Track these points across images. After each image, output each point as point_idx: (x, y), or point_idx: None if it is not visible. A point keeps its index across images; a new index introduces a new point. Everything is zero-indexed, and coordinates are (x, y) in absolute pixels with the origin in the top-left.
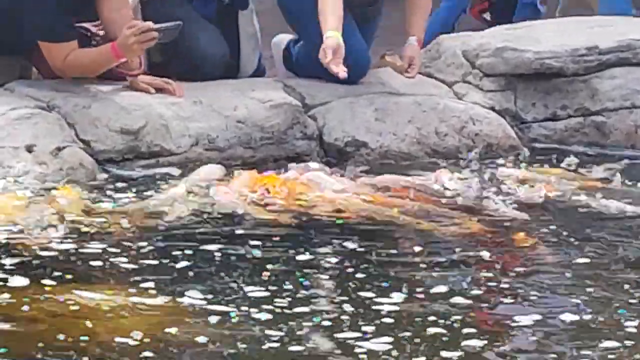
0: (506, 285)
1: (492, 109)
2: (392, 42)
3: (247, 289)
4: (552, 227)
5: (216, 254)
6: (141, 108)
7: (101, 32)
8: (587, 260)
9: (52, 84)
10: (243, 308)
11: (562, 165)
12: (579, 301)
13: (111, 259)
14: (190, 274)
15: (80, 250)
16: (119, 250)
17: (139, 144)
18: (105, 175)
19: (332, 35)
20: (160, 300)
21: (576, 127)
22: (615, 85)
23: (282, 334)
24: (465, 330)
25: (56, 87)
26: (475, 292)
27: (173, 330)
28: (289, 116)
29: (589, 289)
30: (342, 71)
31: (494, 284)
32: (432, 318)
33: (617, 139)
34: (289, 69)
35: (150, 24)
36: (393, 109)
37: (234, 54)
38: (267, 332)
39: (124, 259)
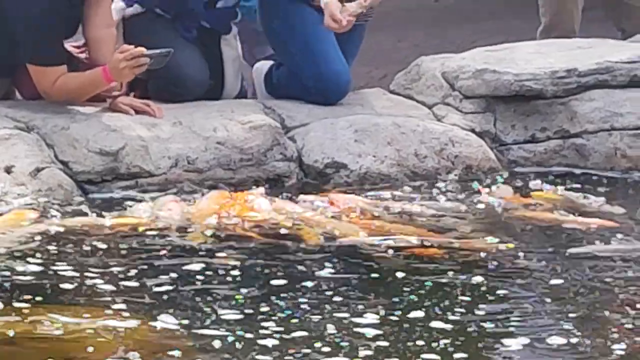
0: (484, 312)
1: (472, 130)
2: (374, 63)
3: (221, 312)
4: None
5: (190, 275)
6: (120, 129)
7: (82, 55)
8: (561, 281)
9: (31, 104)
10: (220, 331)
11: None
12: (565, 324)
13: (86, 281)
14: (165, 297)
15: (54, 272)
16: (91, 271)
17: (118, 165)
18: (83, 198)
19: None
20: (134, 322)
21: (556, 150)
22: (595, 108)
23: (263, 357)
24: (454, 355)
25: (35, 108)
26: (454, 317)
27: (151, 354)
28: (268, 138)
29: (572, 314)
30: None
31: (476, 306)
32: (416, 342)
33: (596, 161)
34: (270, 94)
35: (142, 49)
36: (372, 131)
37: (217, 77)
38: (245, 355)
39: (99, 280)
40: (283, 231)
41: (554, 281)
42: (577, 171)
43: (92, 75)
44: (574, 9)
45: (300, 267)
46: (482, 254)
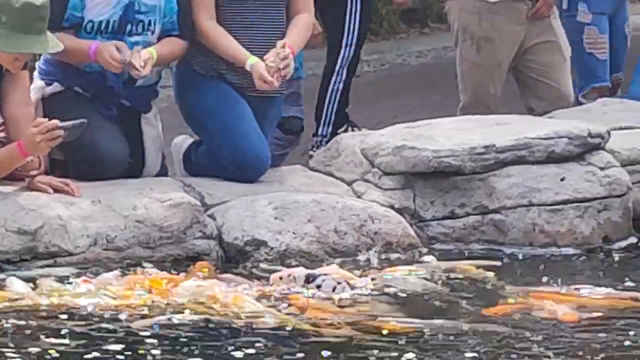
0: None
1: (392, 207)
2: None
3: None
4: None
5: (109, 356)
6: (39, 208)
7: (1, 135)
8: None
9: None
10: None
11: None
12: None
13: None
14: None
15: None
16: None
17: (37, 245)
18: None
19: (256, 60)
20: None
21: (475, 225)
22: (513, 184)
23: None
24: None
25: None
26: None
27: None
28: (187, 215)
29: None
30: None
31: None
32: None
33: (515, 237)
34: (188, 172)
35: (56, 122)
36: (292, 208)
37: (137, 155)
38: None
39: None
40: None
41: (469, 354)
42: (496, 247)
43: (8, 151)
44: (492, 88)
45: (224, 349)
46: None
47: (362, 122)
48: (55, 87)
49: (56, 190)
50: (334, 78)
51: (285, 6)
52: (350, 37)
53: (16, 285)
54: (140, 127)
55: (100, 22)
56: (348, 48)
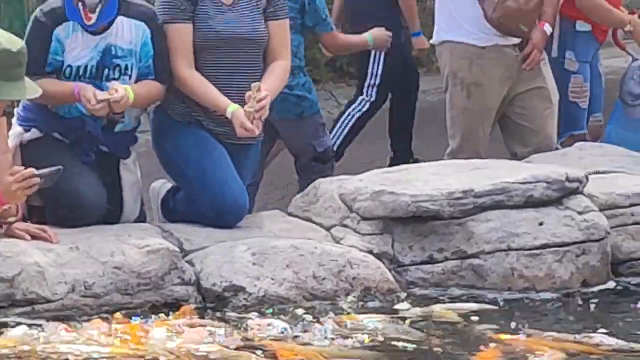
0: None
1: (370, 252)
2: (273, 185)
3: None
4: None
5: None
6: (17, 255)
7: None
8: None
9: None
10: None
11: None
12: None
13: None
14: None
15: None
16: None
17: (15, 292)
18: None
19: (236, 108)
20: None
21: (453, 270)
22: (491, 228)
23: None
24: None
25: None
26: None
27: None
28: (166, 262)
29: None
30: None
31: None
32: None
33: (494, 282)
34: (167, 218)
35: (32, 170)
36: (271, 254)
37: (115, 201)
38: None
39: None
40: None
41: None
42: (475, 292)
43: None
44: (482, 133)
45: None
46: None
47: (339, 167)
48: (34, 133)
49: (34, 237)
50: (354, 105)
51: (263, 53)
52: (373, 79)
53: (14, 332)
54: (119, 173)
55: (78, 67)
56: (370, 89)
